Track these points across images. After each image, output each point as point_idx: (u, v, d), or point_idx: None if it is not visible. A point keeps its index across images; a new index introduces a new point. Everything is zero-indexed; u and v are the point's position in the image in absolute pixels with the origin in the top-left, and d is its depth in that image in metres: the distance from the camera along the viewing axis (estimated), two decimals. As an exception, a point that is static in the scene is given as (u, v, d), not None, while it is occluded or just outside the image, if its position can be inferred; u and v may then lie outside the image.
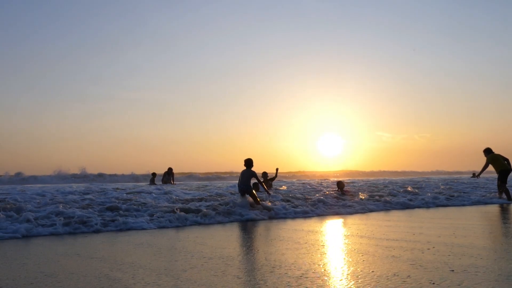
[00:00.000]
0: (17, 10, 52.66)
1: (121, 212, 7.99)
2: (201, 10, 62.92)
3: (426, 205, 11.53)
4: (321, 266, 3.85)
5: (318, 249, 4.80)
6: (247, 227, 7.31)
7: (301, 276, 3.44)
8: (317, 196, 11.62)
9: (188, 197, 10.92)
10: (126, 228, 7.09)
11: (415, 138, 76.67)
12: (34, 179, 28.77)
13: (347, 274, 3.50)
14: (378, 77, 70.76)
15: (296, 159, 71.68)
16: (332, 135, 66.37)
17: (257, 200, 9.35)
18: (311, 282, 3.26)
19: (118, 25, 60.26)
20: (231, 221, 8.11)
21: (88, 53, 59.80)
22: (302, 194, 12.33)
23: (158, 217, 7.75)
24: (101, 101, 61.18)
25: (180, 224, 7.57)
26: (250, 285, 3.19)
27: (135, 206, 8.56)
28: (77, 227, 6.85)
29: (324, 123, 70.00)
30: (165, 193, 11.68)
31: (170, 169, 19.81)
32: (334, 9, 65.04)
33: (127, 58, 61.60)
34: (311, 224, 7.51)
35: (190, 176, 37.03)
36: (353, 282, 3.25)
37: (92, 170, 35.98)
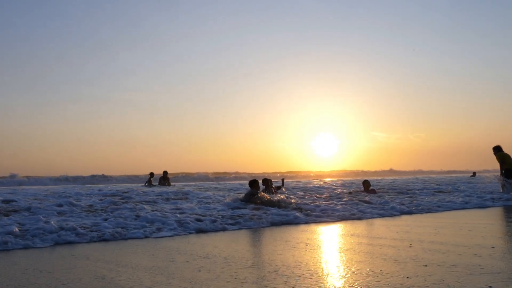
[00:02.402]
0: (13, 11, 52.27)
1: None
2: (197, 12, 62.71)
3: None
4: (298, 262, 4.00)
5: (301, 247, 4.95)
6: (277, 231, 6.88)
7: (275, 271, 3.62)
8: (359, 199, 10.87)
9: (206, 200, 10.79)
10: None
11: (410, 138, 76.78)
12: (27, 181, 28.44)
13: (321, 269, 3.67)
14: (373, 78, 70.76)
15: (291, 159, 71.81)
16: (328, 135, 66.35)
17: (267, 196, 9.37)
18: (284, 276, 3.42)
19: (114, 26, 59.97)
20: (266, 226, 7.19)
21: (84, 55, 59.52)
22: (331, 196, 11.97)
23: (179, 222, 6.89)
24: (98, 102, 60.94)
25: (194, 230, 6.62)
26: (223, 279, 3.37)
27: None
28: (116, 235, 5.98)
29: (319, 123, 70.00)
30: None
31: (165, 173, 20.23)
32: (329, 9, 64.94)
33: (123, 59, 61.32)
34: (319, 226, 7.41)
35: (187, 177, 36.74)
36: (323, 275, 3.42)
37: (89, 171, 35.67)
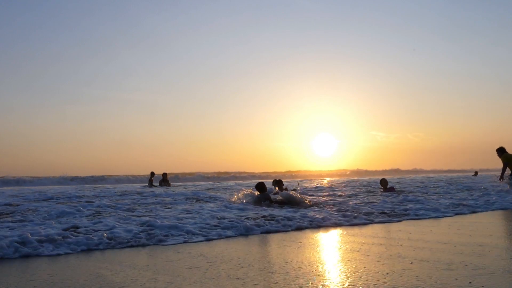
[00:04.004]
0: (11, 11, 52.48)
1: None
2: (195, 12, 63.01)
3: None
4: (286, 261, 4.12)
5: (294, 246, 5.07)
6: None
7: (262, 269, 3.76)
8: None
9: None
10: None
11: (409, 137, 77.05)
12: (29, 181, 28.48)
13: (305, 267, 3.79)
14: (372, 77, 71.07)
15: (290, 159, 72.06)
16: (327, 135, 66.62)
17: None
18: (270, 272, 3.56)
19: (113, 26, 60.32)
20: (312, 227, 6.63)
21: (83, 55, 59.94)
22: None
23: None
24: (96, 102, 61.36)
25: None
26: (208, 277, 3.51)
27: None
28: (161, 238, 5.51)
29: (318, 123, 70.34)
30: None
31: (165, 174, 21.05)
32: (327, 9, 65.27)
33: (122, 59, 61.70)
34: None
35: (187, 177, 36.86)
36: (307, 272, 3.55)
37: (87, 171, 35.90)
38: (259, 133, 71.24)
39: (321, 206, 8.94)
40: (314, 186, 18.55)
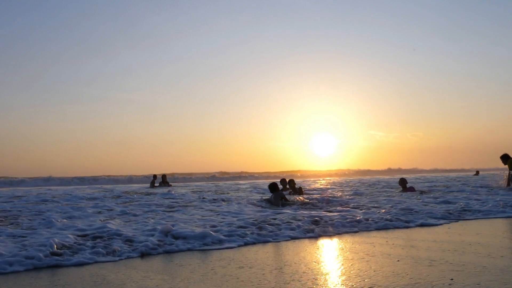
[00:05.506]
0: (11, 11, 52.59)
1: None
2: (195, 12, 63.04)
3: None
4: (278, 259, 4.25)
5: (286, 245, 5.14)
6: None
7: (252, 267, 3.84)
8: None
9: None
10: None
11: (408, 136, 76.99)
12: (28, 182, 28.54)
13: (296, 265, 3.87)
14: (371, 77, 71.15)
15: (290, 159, 72.12)
16: (326, 135, 66.68)
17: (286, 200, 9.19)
18: (260, 269, 3.64)
19: (113, 26, 60.36)
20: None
21: (82, 55, 60.02)
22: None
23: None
24: (96, 102, 61.46)
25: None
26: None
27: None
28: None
29: (317, 122, 70.43)
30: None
31: (164, 176, 21.99)
32: (327, 9, 65.29)
33: (122, 59, 61.72)
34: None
35: (187, 178, 36.92)
36: (296, 269, 3.63)
37: (88, 172, 35.97)
38: (259, 133, 71.42)
39: (360, 207, 8.22)
40: (321, 187, 18.56)
